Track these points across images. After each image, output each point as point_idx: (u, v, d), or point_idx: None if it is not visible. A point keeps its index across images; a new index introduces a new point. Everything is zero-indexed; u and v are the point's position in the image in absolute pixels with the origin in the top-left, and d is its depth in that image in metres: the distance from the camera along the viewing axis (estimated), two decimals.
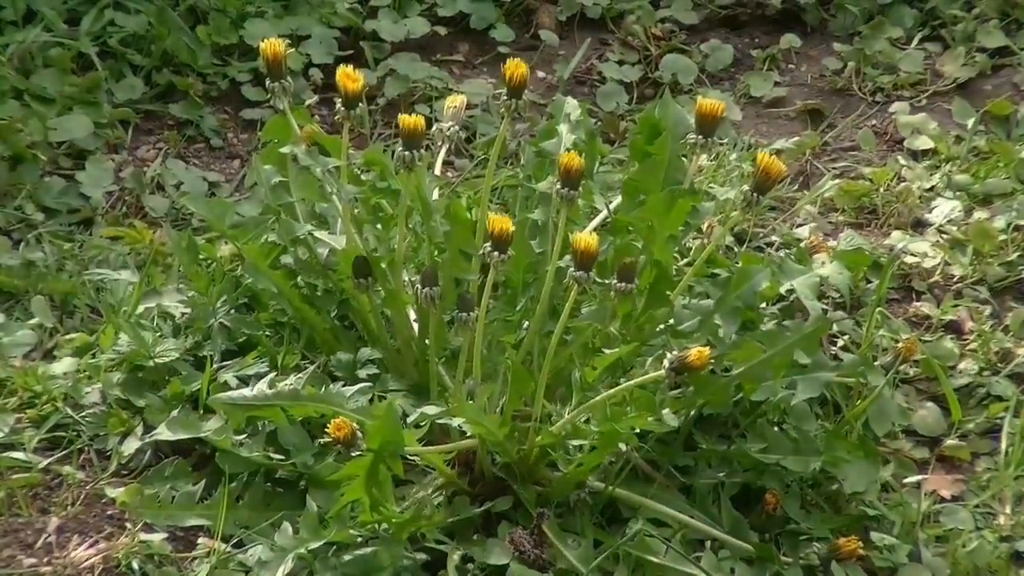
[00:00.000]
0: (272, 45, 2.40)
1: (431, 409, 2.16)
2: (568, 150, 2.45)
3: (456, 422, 2.20)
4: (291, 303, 2.52)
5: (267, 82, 2.43)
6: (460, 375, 2.30)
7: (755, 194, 2.32)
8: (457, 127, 2.53)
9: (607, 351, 2.31)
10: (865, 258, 2.66)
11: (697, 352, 2.15)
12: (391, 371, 2.48)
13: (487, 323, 2.36)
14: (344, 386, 2.26)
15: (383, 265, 2.43)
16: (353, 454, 2.12)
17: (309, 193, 2.57)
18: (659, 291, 2.37)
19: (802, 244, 2.84)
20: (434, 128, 2.47)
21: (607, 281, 2.30)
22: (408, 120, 2.31)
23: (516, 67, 2.36)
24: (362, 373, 2.46)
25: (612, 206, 2.54)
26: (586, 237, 2.21)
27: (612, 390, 2.24)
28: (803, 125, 3.34)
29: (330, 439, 2.12)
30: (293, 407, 2.26)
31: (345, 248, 2.46)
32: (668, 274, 2.38)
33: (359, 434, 2.11)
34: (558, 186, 2.27)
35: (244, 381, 2.43)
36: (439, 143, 2.50)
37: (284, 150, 2.49)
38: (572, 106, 2.64)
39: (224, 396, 2.29)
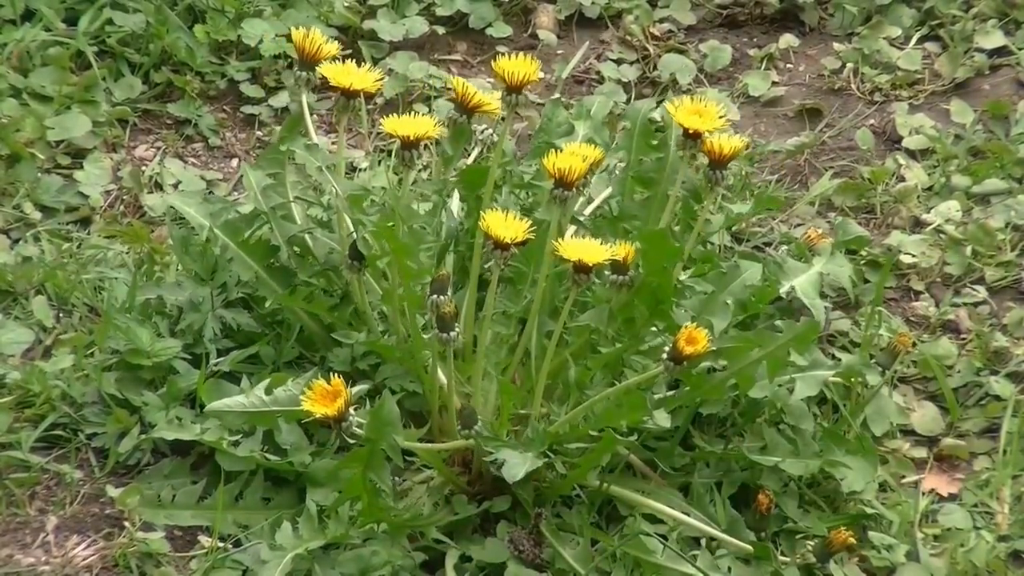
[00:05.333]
0: (316, 40, 2.41)
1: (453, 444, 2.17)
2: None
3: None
4: (285, 302, 2.52)
5: (294, 69, 2.44)
6: (452, 371, 2.30)
7: (715, 172, 2.35)
8: (492, 130, 2.54)
9: (603, 350, 2.30)
10: (865, 242, 2.65)
11: (688, 334, 2.15)
12: (389, 361, 2.47)
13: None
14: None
15: (382, 265, 2.43)
16: (350, 441, 2.10)
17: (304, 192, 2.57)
18: (660, 307, 2.35)
19: (800, 238, 2.83)
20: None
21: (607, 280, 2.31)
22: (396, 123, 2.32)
23: (518, 66, 2.35)
24: (362, 365, 2.46)
25: (602, 197, 2.55)
26: (579, 250, 2.21)
27: (609, 389, 2.24)
28: (801, 125, 3.34)
29: (321, 416, 2.08)
30: (291, 413, 2.25)
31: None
32: (667, 286, 2.36)
33: (351, 409, 2.09)
34: (551, 186, 2.27)
35: (238, 378, 2.42)
36: (472, 146, 2.51)
37: (284, 147, 2.49)
38: (598, 104, 2.65)
39: (221, 404, 2.28)
